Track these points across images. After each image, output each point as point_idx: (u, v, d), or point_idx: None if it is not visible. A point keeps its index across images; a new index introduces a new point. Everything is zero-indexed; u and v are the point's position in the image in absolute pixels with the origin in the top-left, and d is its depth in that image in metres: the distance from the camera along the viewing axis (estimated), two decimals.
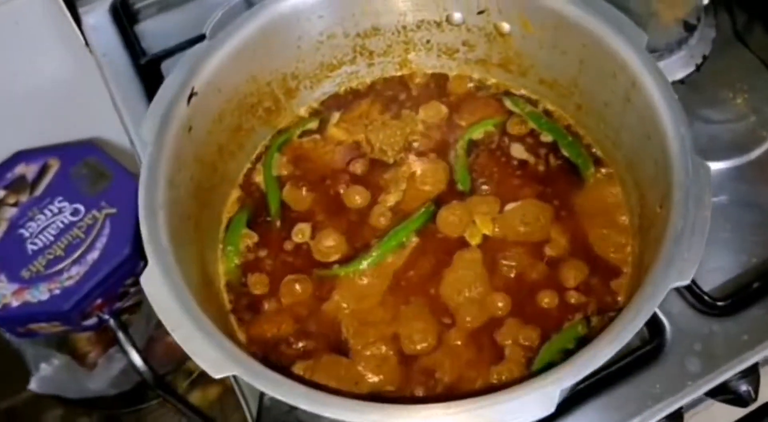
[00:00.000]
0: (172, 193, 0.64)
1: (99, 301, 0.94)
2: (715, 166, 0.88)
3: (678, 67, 0.93)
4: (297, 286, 0.73)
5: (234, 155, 0.77)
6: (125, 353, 0.96)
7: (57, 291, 0.88)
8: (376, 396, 0.64)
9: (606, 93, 0.72)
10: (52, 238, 0.91)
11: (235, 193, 0.79)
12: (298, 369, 0.68)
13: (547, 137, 0.79)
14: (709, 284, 0.80)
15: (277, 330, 0.71)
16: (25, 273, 0.89)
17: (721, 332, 0.78)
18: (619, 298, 0.70)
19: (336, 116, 0.83)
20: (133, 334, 0.99)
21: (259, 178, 0.79)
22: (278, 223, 0.77)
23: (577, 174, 0.77)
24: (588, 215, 0.75)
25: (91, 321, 0.96)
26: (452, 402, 0.53)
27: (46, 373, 1.27)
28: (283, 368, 0.68)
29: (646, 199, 0.68)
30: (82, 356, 1.31)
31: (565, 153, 0.78)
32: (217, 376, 0.53)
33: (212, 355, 0.55)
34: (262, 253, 0.75)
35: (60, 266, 0.89)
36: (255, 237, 0.76)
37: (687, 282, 0.55)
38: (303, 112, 0.83)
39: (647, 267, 0.60)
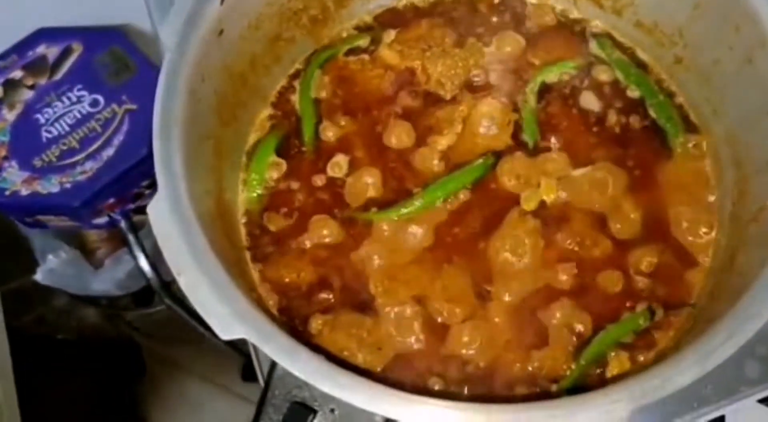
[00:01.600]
0: (193, 107, 0.54)
1: (111, 201, 0.88)
2: None
3: None
4: (324, 229, 0.64)
5: (268, 69, 0.67)
6: (133, 256, 0.92)
7: (68, 186, 0.83)
8: (398, 383, 0.55)
9: (720, 48, 0.59)
10: (68, 128, 0.85)
11: (266, 111, 0.69)
12: (316, 322, 0.61)
13: (633, 92, 0.68)
14: None
15: (297, 276, 0.63)
16: (37, 162, 0.84)
17: None
18: (693, 293, 0.60)
19: (391, 35, 0.71)
20: (143, 238, 0.94)
21: (294, 98, 0.69)
22: (311, 153, 0.67)
23: (664, 140, 0.66)
24: (670, 189, 0.64)
25: (102, 219, 0.92)
26: (493, 406, 0.45)
27: (53, 266, 1.25)
28: (297, 322, 0.60)
29: (750, 184, 0.57)
30: (91, 252, 1.28)
31: (653, 114, 0.67)
32: (225, 337, 0.45)
33: (220, 310, 0.46)
34: (290, 185, 0.66)
35: (73, 159, 0.84)
36: (283, 166, 0.67)
37: None
38: (354, 25, 0.72)
39: (743, 272, 0.50)
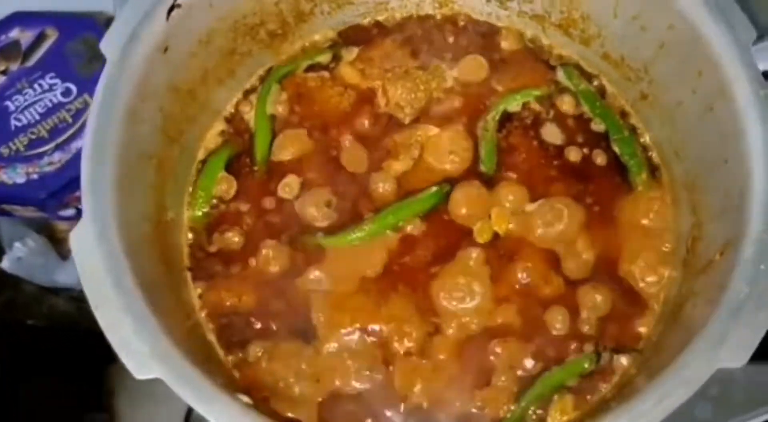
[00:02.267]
0: (132, 127, 0.52)
1: (78, 193, 0.86)
2: None
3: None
4: (271, 253, 0.62)
5: (222, 82, 0.65)
6: None
7: (35, 176, 0.81)
8: None
9: (683, 91, 0.58)
10: (38, 117, 0.83)
11: (218, 127, 0.67)
12: (254, 350, 0.59)
13: (598, 125, 0.66)
14: None
15: (238, 300, 0.61)
16: (4, 150, 0.82)
17: (743, 379, 0.68)
18: (641, 338, 0.59)
19: (353, 52, 0.69)
20: None
21: (249, 115, 0.67)
22: (263, 173, 0.65)
23: (625, 177, 0.64)
24: (627, 229, 0.63)
25: (69, 212, 0.90)
26: None
27: (20, 254, 1.23)
28: (235, 348, 0.58)
29: (703, 232, 0.56)
30: (60, 241, 1.26)
31: (616, 149, 0.65)
32: (139, 377, 0.43)
33: (138, 349, 0.44)
34: (238, 206, 0.64)
35: (42, 149, 0.82)
36: (233, 184, 0.65)
37: (739, 366, 0.44)
38: (315, 40, 0.69)
39: (688, 325, 0.48)
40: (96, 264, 0.46)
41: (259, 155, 0.66)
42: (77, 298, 1.38)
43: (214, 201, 0.64)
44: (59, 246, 1.27)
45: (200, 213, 0.64)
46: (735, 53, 0.51)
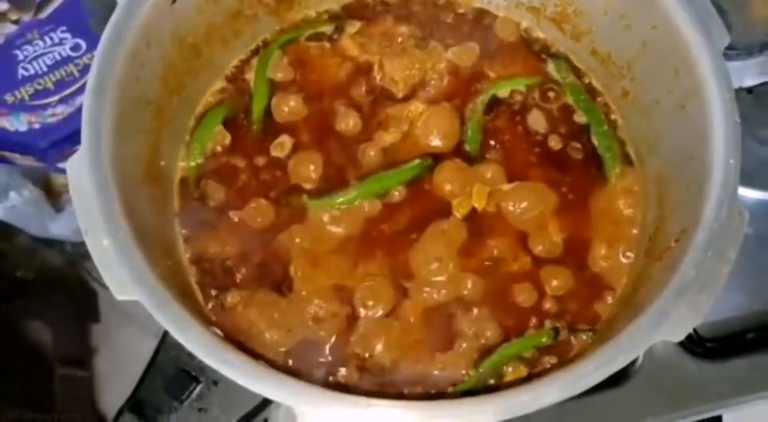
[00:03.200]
0: (134, 70, 0.55)
1: (78, 146, 0.88)
2: (752, 193, 0.79)
3: (751, 73, 0.81)
4: (257, 208, 0.65)
5: (227, 42, 0.67)
6: None
7: (36, 126, 0.82)
8: (295, 370, 0.57)
9: (660, 89, 0.61)
10: (45, 68, 0.84)
11: (219, 84, 0.69)
12: (232, 296, 0.62)
13: (580, 117, 0.69)
14: None
15: (221, 249, 0.64)
16: (9, 98, 0.83)
17: (697, 374, 0.71)
18: (600, 319, 0.62)
19: (355, 25, 0.72)
20: None
21: (250, 76, 0.70)
22: (258, 132, 0.68)
23: (601, 169, 0.67)
24: (598, 217, 0.66)
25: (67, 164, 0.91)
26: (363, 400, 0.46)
27: (15, 203, 1.24)
28: (214, 293, 0.61)
29: (665, 223, 0.59)
30: (57, 194, 1.27)
31: (595, 141, 0.68)
32: (120, 298, 0.47)
33: (119, 272, 0.47)
34: (230, 160, 0.67)
35: (46, 100, 0.83)
36: (228, 139, 0.67)
37: (676, 340, 0.47)
38: (319, 11, 0.72)
39: (638, 306, 0.52)
40: (88, 191, 0.49)
41: (256, 114, 0.68)
42: (69, 253, 1.40)
43: (209, 153, 0.66)
44: (55, 199, 1.29)
45: (194, 164, 0.66)
46: (709, 56, 0.55)
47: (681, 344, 0.72)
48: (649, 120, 0.64)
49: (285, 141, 0.67)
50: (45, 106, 0.82)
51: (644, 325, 0.47)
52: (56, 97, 0.83)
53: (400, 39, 0.72)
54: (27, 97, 0.83)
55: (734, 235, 0.49)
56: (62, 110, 0.82)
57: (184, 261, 0.62)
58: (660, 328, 0.47)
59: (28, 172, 1.20)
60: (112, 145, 0.52)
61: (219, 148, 0.67)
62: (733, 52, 0.79)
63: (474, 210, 0.65)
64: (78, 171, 0.49)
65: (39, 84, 0.83)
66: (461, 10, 0.74)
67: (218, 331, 0.52)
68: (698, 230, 0.50)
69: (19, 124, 0.82)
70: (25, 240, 1.42)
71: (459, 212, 0.65)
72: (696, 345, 0.72)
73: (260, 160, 0.67)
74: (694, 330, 0.72)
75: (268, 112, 0.68)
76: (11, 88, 0.82)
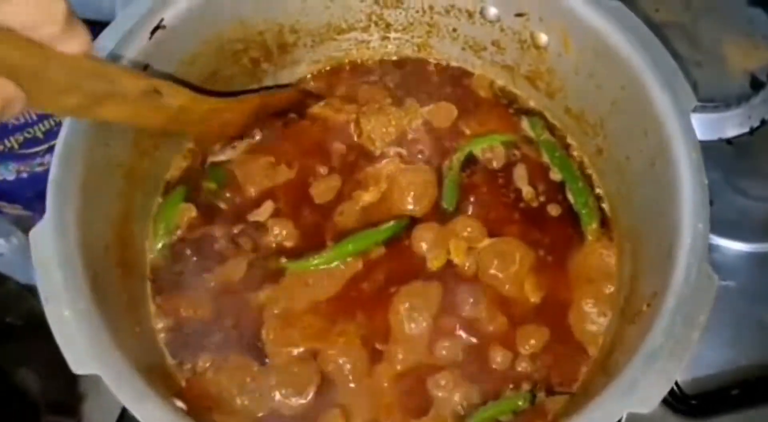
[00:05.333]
0: (104, 134, 0.55)
1: None
2: (734, 245, 0.78)
3: (731, 124, 0.81)
4: (232, 270, 0.64)
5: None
6: None
7: (24, 175, 0.83)
8: None
9: (631, 147, 0.61)
10: (35, 117, 0.83)
11: (190, 145, 0.69)
12: (203, 361, 0.61)
13: (556, 175, 0.69)
14: (683, 373, 0.71)
15: (194, 312, 0.63)
16: None
17: None
18: (577, 381, 0.61)
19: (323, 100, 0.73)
20: None
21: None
22: (228, 195, 0.68)
23: (577, 227, 0.66)
24: (575, 276, 0.65)
25: None
26: None
27: (3, 250, 1.24)
28: (186, 358, 0.61)
29: (639, 284, 0.58)
30: None
31: (571, 198, 0.68)
32: (77, 372, 0.46)
33: (78, 344, 0.47)
34: (206, 227, 0.66)
35: (35, 149, 0.83)
36: (194, 212, 0.67)
37: (647, 411, 0.46)
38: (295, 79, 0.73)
39: (611, 372, 0.51)
40: (50, 260, 0.49)
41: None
42: None
43: (181, 220, 0.66)
44: None
45: (165, 230, 0.66)
46: (675, 117, 0.55)
47: (664, 401, 0.70)
48: (622, 176, 0.64)
49: (265, 208, 0.67)
50: (34, 155, 0.83)
51: (614, 395, 0.46)
52: (45, 146, 0.82)
53: (376, 99, 0.72)
54: (16, 146, 0.82)
55: (704, 301, 0.48)
56: (50, 160, 0.81)
57: (154, 326, 0.61)
58: (630, 398, 0.46)
59: (16, 220, 1.21)
60: (78, 212, 0.52)
61: (193, 214, 0.67)
62: (711, 104, 0.79)
63: (450, 263, 0.65)
64: (42, 240, 0.49)
65: (28, 133, 0.82)
66: (437, 67, 0.75)
67: (181, 404, 0.51)
68: (668, 293, 0.49)
69: (7, 173, 0.82)
70: (13, 286, 1.41)
71: (433, 264, 0.64)
72: (680, 402, 0.70)
73: (234, 227, 0.66)
74: (678, 386, 0.70)
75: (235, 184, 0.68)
76: (0, 136, 0.82)
